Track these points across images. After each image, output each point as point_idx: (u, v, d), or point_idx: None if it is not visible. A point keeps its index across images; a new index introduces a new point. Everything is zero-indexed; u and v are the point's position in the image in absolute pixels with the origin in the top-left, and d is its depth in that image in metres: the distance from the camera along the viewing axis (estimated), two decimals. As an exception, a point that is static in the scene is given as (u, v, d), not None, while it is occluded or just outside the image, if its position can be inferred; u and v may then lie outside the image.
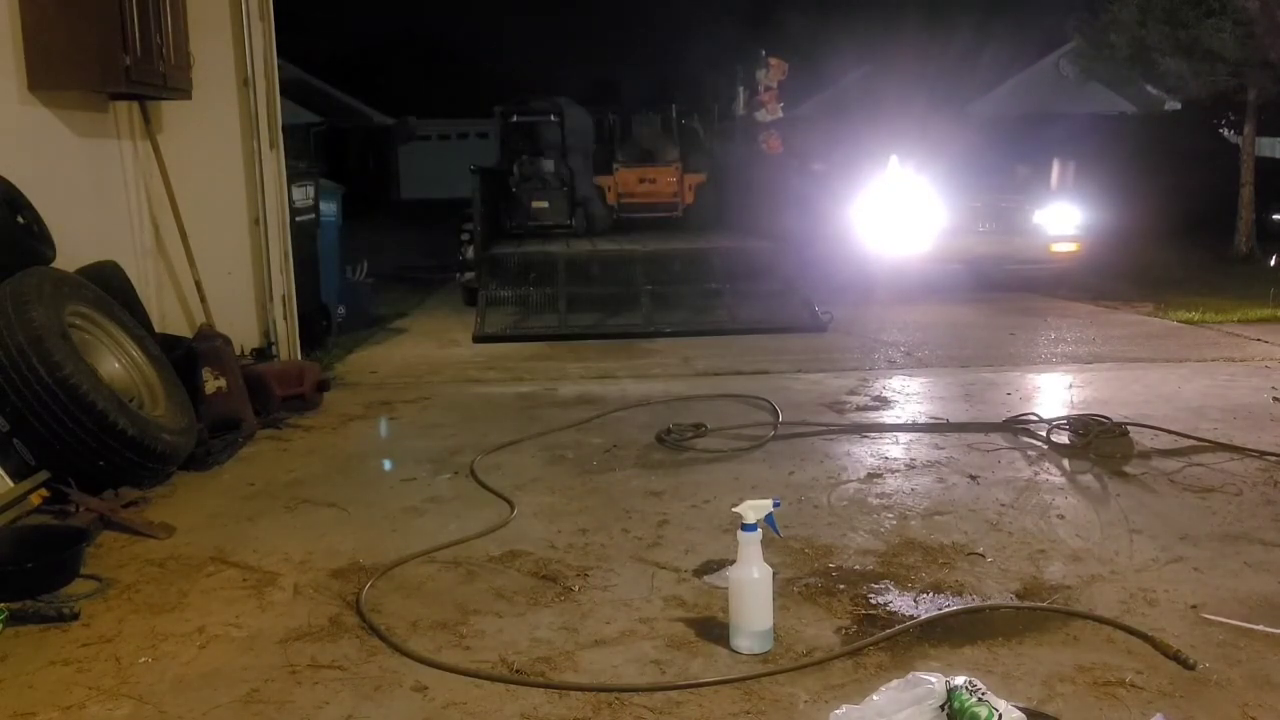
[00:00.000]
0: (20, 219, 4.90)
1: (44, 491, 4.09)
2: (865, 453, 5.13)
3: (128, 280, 5.75)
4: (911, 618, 3.19)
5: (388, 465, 5.08)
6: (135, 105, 6.27)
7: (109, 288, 5.28)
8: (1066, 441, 5.12)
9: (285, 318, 6.92)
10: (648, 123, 14.10)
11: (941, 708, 2.40)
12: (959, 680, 2.44)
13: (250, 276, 6.84)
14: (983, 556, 3.71)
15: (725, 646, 3.01)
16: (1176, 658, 2.87)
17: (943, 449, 5.15)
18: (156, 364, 5.02)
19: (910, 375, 7.11)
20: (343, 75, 30.99)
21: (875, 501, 4.36)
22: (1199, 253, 13.83)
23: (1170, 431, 5.27)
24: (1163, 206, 14.62)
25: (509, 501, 4.36)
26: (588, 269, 10.05)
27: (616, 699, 2.74)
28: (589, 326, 8.89)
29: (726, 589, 3.09)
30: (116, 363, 4.85)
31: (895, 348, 8.11)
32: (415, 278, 12.92)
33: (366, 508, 4.36)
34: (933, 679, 2.45)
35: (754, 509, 2.99)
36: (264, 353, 6.76)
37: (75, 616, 3.25)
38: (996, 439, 5.30)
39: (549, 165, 13.91)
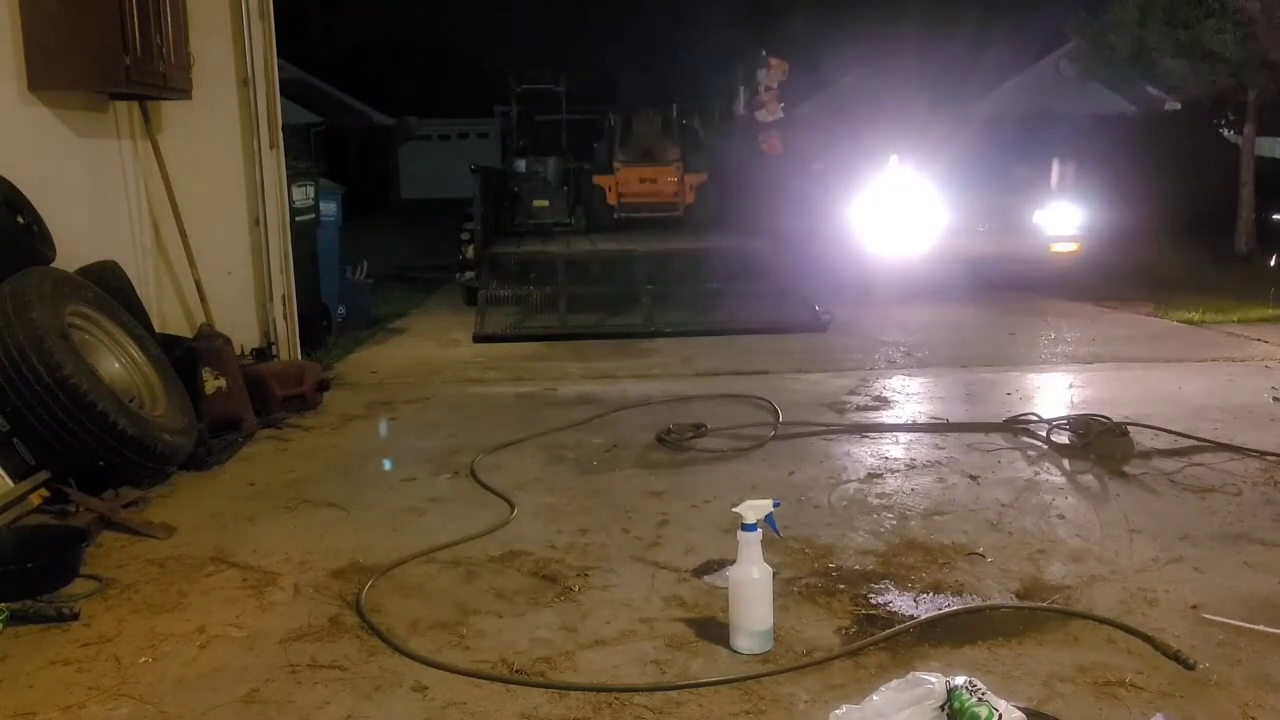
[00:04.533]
0: (20, 219, 4.90)
1: (44, 491, 4.09)
2: (865, 453, 5.13)
3: (128, 280, 5.75)
4: (911, 618, 3.19)
5: (388, 465, 5.08)
6: (135, 105, 6.27)
7: (109, 288, 5.28)
8: (1066, 441, 5.12)
9: (285, 318, 6.92)
10: (648, 123, 14.12)
11: (941, 708, 2.40)
12: (959, 680, 2.44)
13: (250, 276, 6.83)
14: (983, 556, 3.71)
15: (725, 646, 3.01)
16: (1176, 658, 2.87)
17: (943, 449, 5.15)
18: (156, 364, 5.02)
19: (910, 375, 7.11)
20: (343, 75, 30.96)
21: (875, 501, 4.36)
22: (1199, 253, 13.81)
23: (1170, 431, 5.27)
24: (1163, 206, 14.60)
25: (509, 501, 4.36)
26: (588, 269, 10.06)
27: (616, 699, 2.74)
28: (589, 326, 8.89)
29: (726, 589, 3.09)
30: (116, 363, 4.85)
31: (895, 348, 8.11)
32: (415, 278, 12.91)
33: (366, 508, 4.36)
34: (933, 679, 2.45)
35: (754, 509, 2.99)
36: (264, 353, 6.76)
37: (75, 616, 3.25)
38: (996, 439, 5.30)
39: (551, 164, 13.98)
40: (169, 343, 5.67)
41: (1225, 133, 17.92)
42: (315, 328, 7.85)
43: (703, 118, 14.82)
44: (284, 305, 6.91)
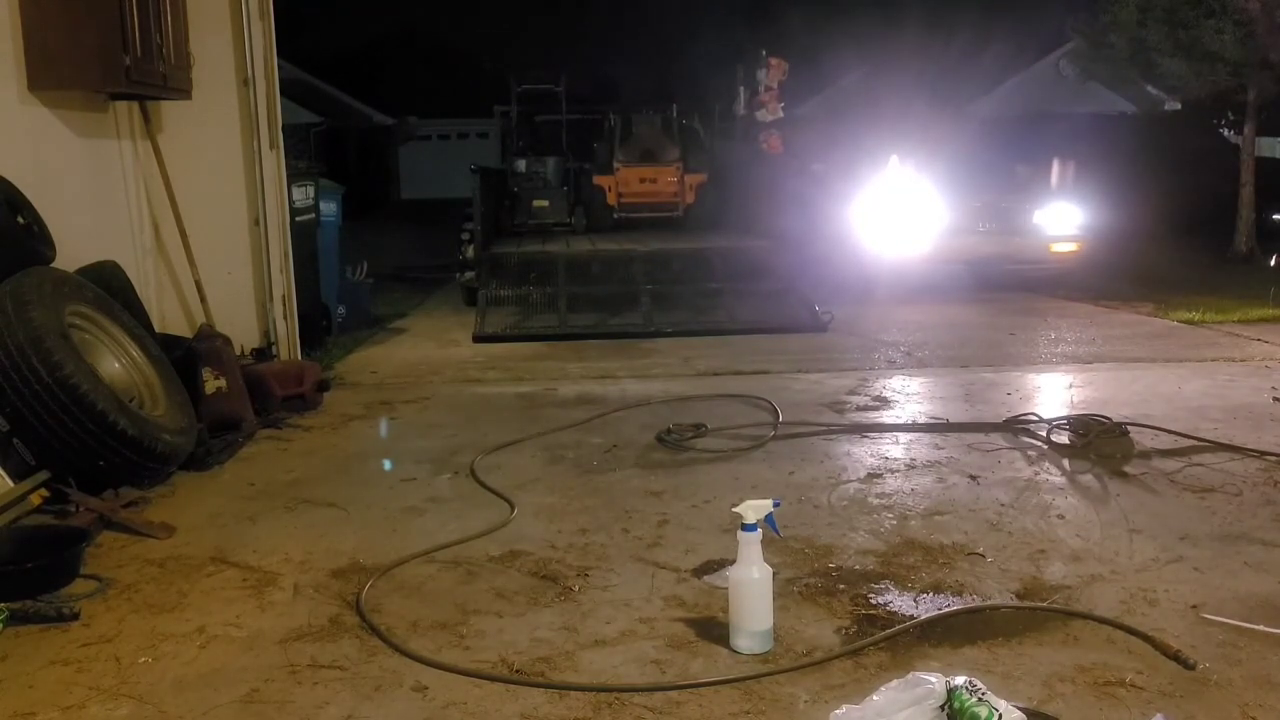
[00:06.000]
0: (20, 219, 4.90)
1: (44, 491, 4.09)
2: (865, 453, 5.13)
3: (128, 280, 5.74)
4: (911, 618, 3.19)
5: (388, 465, 5.08)
6: (135, 105, 6.27)
7: (109, 288, 5.28)
8: (1066, 441, 5.12)
9: (285, 318, 6.92)
10: (648, 123, 14.13)
11: (941, 708, 2.40)
12: (959, 680, 2.44)
13: (250, 276, 6.83)
14: (983, 556, 3.71)
15: (725, 646, 3.01)
16: (1176, 658, 2.87)
17: (943, 449, 5.15)
18: (156, 364, 5.02)
19: (910, 375, 7.11)
20: (343, 75, 30.96)
21: (875, 501, 4.36)
22: (1199, 253, 13.83)
23: (1170, 431, 5.27)
24: (1163, 206, 14.62)
25: (509, 501, 4.36)
26: (588, 268, 10.06)
27: (616, 699, 2.74)
28: (589, 326, 8.89)
29: (726, 589, 3.09)
30: (116, 363, 4.85)
31: (895, 347, 8.11)
32: (415, 278, 12.92)
33: (366, 508, 4.36)
34: (933, 679, 2.45)
35: (754, 509, 2.99)
36: (264, 353, 6.76)
37: (75, 616, 3.25)
38: (996, 439, 5.30)
39: (551, 164, 14.00)
40: (169, 343, 5.67)
41: (1225, 133, 17.91)
42: (315, 328, 7.86)
43: (703, 118, 14.82)
44: (284, 305, 6.91)
